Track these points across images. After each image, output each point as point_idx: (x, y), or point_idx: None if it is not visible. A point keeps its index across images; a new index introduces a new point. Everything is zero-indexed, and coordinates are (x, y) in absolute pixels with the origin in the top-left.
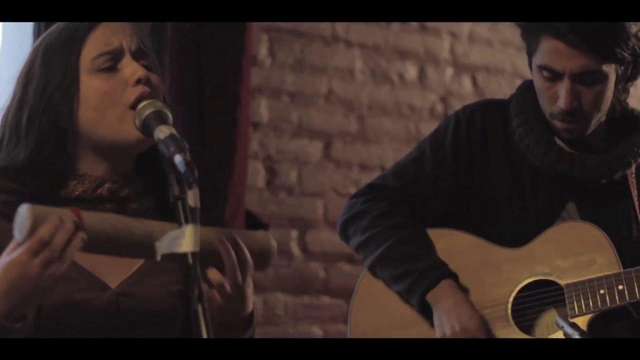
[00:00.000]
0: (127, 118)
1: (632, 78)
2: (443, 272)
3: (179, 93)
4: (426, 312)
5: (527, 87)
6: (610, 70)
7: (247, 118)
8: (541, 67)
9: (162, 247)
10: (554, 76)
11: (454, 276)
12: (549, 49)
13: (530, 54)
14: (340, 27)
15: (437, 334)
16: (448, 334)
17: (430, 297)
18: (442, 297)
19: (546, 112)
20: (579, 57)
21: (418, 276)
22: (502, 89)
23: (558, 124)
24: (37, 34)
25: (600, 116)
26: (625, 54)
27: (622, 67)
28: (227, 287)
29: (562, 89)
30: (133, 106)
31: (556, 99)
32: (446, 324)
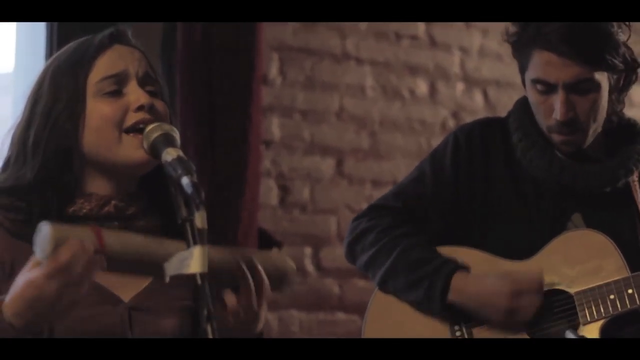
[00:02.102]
0: (123, 141)
1: (625, 88)
2: (452, 268)
3: (190, 113)
4: (450, 312)
5: (524, 103)
6: (603, 78)
7: (258, 137)
8: (535, 81)
9: (171, 268)
10: (548, 89)
11: (465, 268)
12: (541, 62)
13: (523, 70)
14: (351, 44)
15: (492, 317)
16: (499, 311)
17: (452, 297)
18: (463, 291)
19: (543, 126)
20: (570, 67)
21: (431, 279)
22: (514, 102)
23: (556, 137)
24: (49, 54)
25: (596, 127)
26: (617, 62)
27: (615, 76)
28: (242, 312)
29: (557, 100)
30: (127, 130)
31: (552, 112)
32: (483, 309)
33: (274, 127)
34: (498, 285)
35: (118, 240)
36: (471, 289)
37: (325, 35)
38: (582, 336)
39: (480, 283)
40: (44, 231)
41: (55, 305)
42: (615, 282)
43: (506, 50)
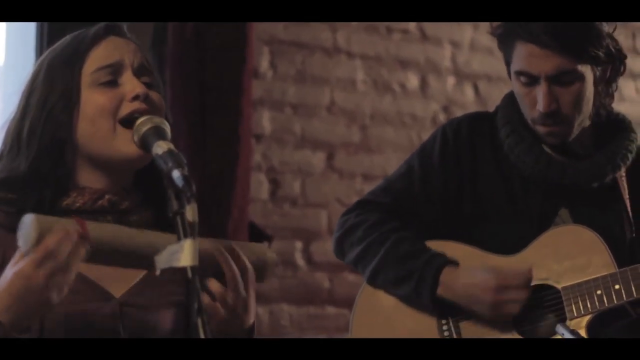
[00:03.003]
0: (118, 133)
1: (612, 80)
2: (440, 262)
3: (180, 107)
4: (440, 305)
5: (512, 98)
6: (587, 70)
7: (249, 130)
8: (518, 73)
9: (161, 261)
10: (531, 80)
11: (454, 263)
12: (524, 53)
13: (508, 62)
14: (342, 38)
15: (480, 311)
16: (485, 305)
17: (440, 291)
18: (451, 286)
19: (528, 118)
20: (552, 58)
21: (420, 274)
22: (502, 97)
23: (540, 128)
24: (39, 50)
25: (582, 119)
26: (600, 53)
27: (600, 68)
28: (230, 298)
29: (540, 92)
30: (123, 121)
31: (535, 104)
32: (474, 298)
33: (265, 120)
34: (485, 279)
35: (101, 230)
36: (459, 282)
37: (316, 28)
38: (574, 330)
39: (468, 276)
40: (27, 222)
41: (43, 294)
42: (603, 277)
43: (497, 44)
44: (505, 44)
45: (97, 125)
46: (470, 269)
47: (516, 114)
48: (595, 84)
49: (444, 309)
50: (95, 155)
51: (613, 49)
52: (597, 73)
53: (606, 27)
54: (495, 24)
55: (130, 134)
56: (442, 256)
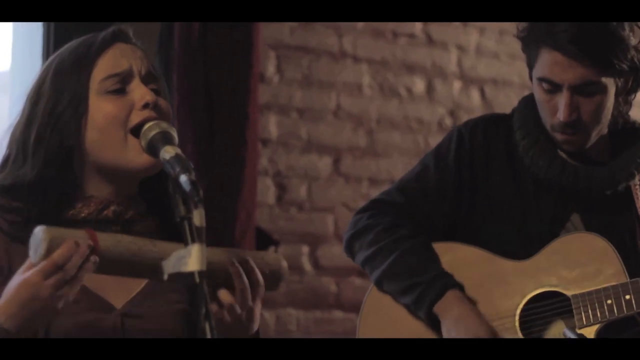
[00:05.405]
0: (129, 142)
1: (632, 90)
2: (448, 282)
3: (187, 112)
4: (434, 323)
5: (529, 101)
6: (610, 82)
7: (255, 135)
8: (541, 79)
9: (169, 266)
10: (554, 88)
11: (459, 286)
12: (548, 61)
13: (531, 66)
14: (348, 43)
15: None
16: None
17: (437, 308)
18: (449, 308)
19: (547, 124)
20: (577, 68)
21: (424, 288)
22: (511, 101)
23: (558, 136)
24: (46, 54)
25: (600, 128)
26: (624, 66)
27: (622, 79)
28: (237, 309)
29: (562, 100)
30: (134, 130)
31: (556, 111)
32: (454, 334)
33: (271, 125)
34: (474, 325)
35: (112, 241)
36: (454, 312)
37: (322, 33)
38: (581, 335)
39: (463, 313)
40: (38, 234)
41: (49, 304)
42: (614, 287)
43: (503, 48)
44: (530, 48)
45: (107, 134)
46: (471, 308)
47: (532, 117)
48: (617, 94)
49: (436, 326)
50: (105, 164)
51: (637, 62)
52: (619, 84)
53: (632, 39)
54: (521, 26)
55: (139, 144)
56: (450, 277)
